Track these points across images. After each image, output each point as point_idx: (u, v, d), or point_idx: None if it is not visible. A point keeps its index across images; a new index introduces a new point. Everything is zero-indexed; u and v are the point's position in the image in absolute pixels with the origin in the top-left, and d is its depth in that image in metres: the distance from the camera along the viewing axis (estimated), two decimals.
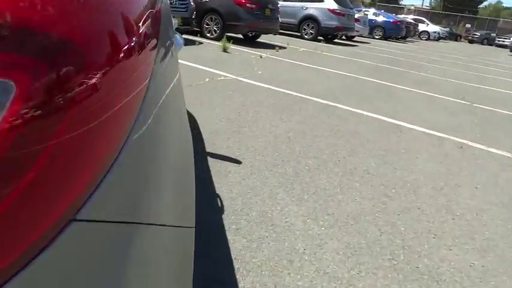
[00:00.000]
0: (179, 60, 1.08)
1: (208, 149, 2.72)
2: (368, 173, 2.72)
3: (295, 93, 4.73)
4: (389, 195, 2.41)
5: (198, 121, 3.23)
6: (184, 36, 8.26)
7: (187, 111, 3.44)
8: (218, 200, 2.08)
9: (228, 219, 1.91)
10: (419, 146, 3.45)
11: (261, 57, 7.32)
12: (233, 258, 1.62)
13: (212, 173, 2.36)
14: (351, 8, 14.10)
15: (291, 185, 2.36)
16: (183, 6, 7.54)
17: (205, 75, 4.98)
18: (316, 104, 4.43)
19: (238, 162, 2.58)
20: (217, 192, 2.15)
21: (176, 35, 0.95)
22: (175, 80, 0.73)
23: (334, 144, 3.18)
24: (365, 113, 4.31)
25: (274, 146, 2.96)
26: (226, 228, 1.83)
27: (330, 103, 4.51)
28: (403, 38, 23.06)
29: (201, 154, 2.60)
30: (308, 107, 4.22)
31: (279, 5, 10.30)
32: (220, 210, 1.98)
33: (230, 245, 1.70)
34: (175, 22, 2.07)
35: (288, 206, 2.11)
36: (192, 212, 0.65)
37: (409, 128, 3.97)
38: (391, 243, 1.91)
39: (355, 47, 13.40)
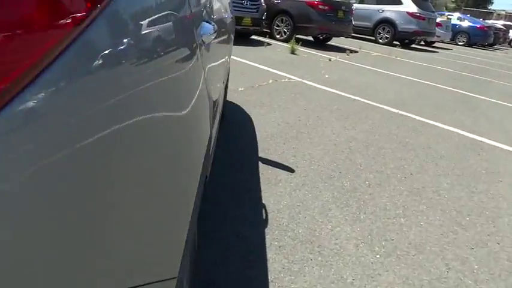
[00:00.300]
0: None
1: (261, 153, 2.57)
2: (438, 194, 2.38)
3: (362, 100, 4.42)
4: (462, 224, 2.08)
5: (255, 123, 3.10)
6: (253, 37, 8.24)
7: (244, 111, 3.33)
8: (263, 211, 1.92)
9: (270, 234, 1.74)
10: (503, 168, 3.00)
11: (329, 60, 7.04)
12: (270, 280, 1.45)
13: (261, 180, 2.20)
14: (433, 12, 13.17)
15: (347, 202, 2.13)
16: (254, 6, 7.49)
17: (269, 76, 4.85)
18: (385, 112, 4.09)
19: (291, 170, 2.40)
20: (263, 202, 1.99)
21: (206, 23, 0.81)
22: (171, 80, 0.56)
23: (401, 159, 2.87)
24: (440, 125, 3.88)
25: (333, 156, 2.73)
26: (267, 244, 1.66)
27: (401, 112, 4.14)
28: (491, 45, 21.12)
29: (251, 159, 2.47)
30: (376, 115, 3.90)
31: (353, 8, 9.90)
32: (264, 223, 1.82)
33: (268, 265, 1.53)
34: (227, 16, 1.93)
35: (340, 226, 1.89)
36: (177, 255, 0.48)
37: (492, 146, 3.49)
38: (460, 283, 1.61)
39: (434, 53, 12.48)
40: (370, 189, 2.32)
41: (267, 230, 1.76)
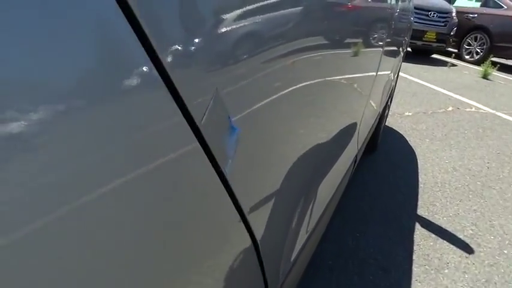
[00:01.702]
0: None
1: (421, 210, 1.76)
2: None
3: None
4: None
5: (419, 162, 2.27)
6: (435, 56, 7.05)
7: (407, 142, 2.51)
8: None
9: None
10: None
11: None
12: None
13: (414, 258, 1.42)
14: None
15: None
16: (443, 20, 6.30)
17: (450, 102, 3.82)
18: None
19: (467, 250, 1.53)
20: None
21: None
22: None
23: None
24: None
25: None
26: None
27: None
28: None
29: (403, 216, 1.68)
30: None
31: None
32: None
33: None
34: (397, 25, 1.21)
35: None
36: None
37: None
38: None
39: None
40: None
41: None
